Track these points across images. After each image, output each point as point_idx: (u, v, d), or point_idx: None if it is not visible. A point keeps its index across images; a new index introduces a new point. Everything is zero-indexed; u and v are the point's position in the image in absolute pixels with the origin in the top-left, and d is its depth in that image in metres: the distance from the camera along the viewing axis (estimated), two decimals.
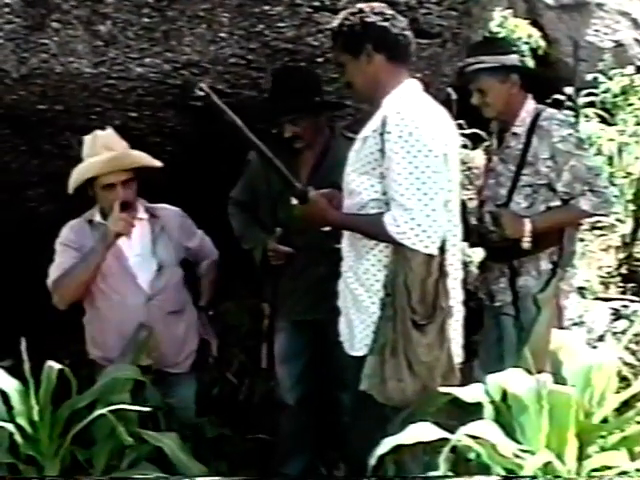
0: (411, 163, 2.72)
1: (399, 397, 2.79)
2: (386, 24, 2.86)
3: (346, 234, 3.01)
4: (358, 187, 2.87)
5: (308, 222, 3.01)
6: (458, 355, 2.97)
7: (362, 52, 2.87)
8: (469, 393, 2.77)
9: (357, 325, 2.90)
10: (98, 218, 3.48)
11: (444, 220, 2.78)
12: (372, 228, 2.81)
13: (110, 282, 3.43)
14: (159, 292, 3.49)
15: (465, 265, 4.98)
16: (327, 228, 3.06)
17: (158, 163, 3.43)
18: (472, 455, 2.65)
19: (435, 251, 2.76)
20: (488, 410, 2.73)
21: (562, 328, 3.46)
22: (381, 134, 2.77)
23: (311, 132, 3.59)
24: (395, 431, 2.65)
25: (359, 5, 2.93)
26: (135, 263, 3.48)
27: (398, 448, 2.59)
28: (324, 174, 3.33)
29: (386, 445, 2.57)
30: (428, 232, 2.72)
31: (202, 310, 3.73)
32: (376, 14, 2.88)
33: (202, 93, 2.85)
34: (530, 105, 3.59)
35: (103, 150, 3.37)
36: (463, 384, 2.87)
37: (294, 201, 2.98)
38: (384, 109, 2.82)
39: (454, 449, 2.63)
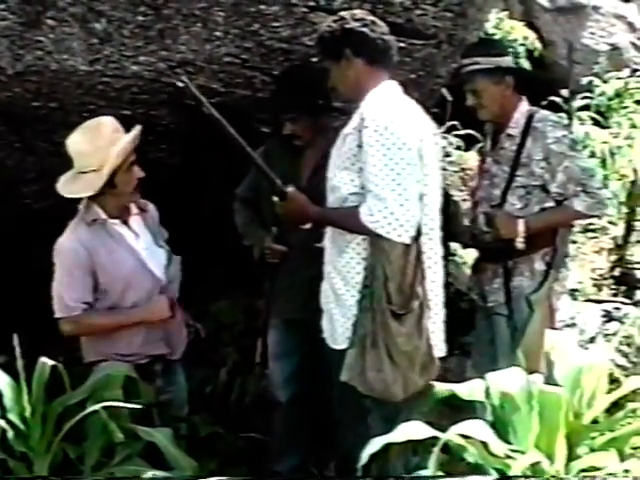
0: (385, 155, 2.84)
1: (380, 387, 2.85)
2: (365, 29, 3.01)
3: (328, 231, 3.09)
4: (339, 182, 2.98)
5: (289, 218, 3.14)
6: (440, 349, 3.03)
7: (342, 56, 3.02)
8: (466, 390, 2.80)
9: (338, 319, 2.98)
10: (103, 215, 3.40)
11: (418, 211, 2.88)
12: (349, 220, 2.92)
13: (128, 278, 3.42)
14: (172, 280, 3.52)
15: (457, 265, 5.02)
16: (307, 226, 3.15)
17: None
18: (467, 455, 2.66)
19: (408, 240, 2.85)
20: (485, 408, 2.75)
21: (554, 329, 3.47)
22: (359, 130, 2.90)
23: (310, 132, 3.61)
24: (377, 424, 2.77)
25: (341, 13, 3.08)
26: (146, 256, 3.48)
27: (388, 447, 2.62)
28: (325, 176, 3.34)
29: (376, 444, 2.58)
30: (401, 221, 2.83)
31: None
32: (356, 20, 3.03)
33: (182, 84, 2.96)
34: (524, 107, 3.60)
35: (118, 134, 3.33)
36: (450, 380, 2.90)
37: (275, 198, 3.09)
38: (363, 107, 2.95)
39: (446, 449, 2.65)
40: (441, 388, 2.88)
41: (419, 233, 2.89)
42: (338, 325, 2.98)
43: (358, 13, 3.07)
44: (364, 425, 2.82)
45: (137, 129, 3.36)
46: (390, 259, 2.84)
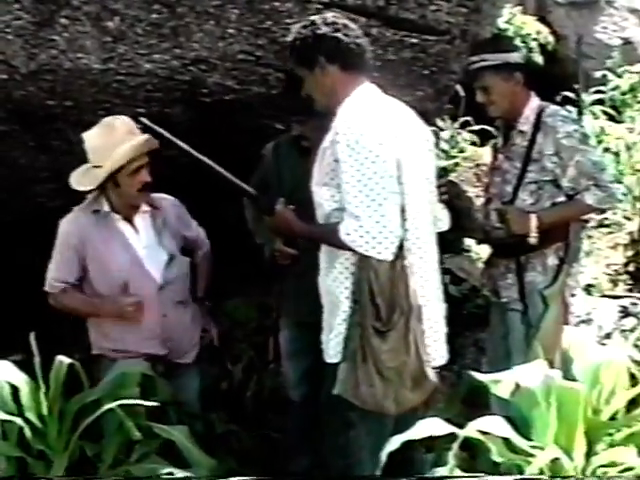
0: (358, 170, 2.74)
1: (372, 401, 2.80)
2: (337, 34, 2.88)
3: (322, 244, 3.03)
4: (320, 199, 2.89)
5: (277, 232, 3.15)
6: (442, 356, 2.97)
7: (316, 65, 2.89)
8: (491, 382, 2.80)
9: (331, 332, 2.91)
10: (106, 208, 3.47)
11: (397, 225, 2.77)
12: (331, 237, 2.83)
13: (123, 275, 3.44)
14: (171, 282, 3.50)
15: (471, 261, 5.00)
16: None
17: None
18: (487, 452, 2.65)
19: (389, 257, 2.75)
20: (499, 404, 2.74)
21: (568, 324, 3.47)
22: (334, 144, 2.80)
23: (318, 134, 3.59)
24: (359, 438, 2.81)
25: (311, 17, 2.96)
26: (145, 255, 3.49)
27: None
28: None
29: (396, 442, 2.58)
30: (378, 238, 2.73)
31: (200, 300, 3.72)
32: (327, 25, 2.89)
33: (140, 125, 3.05)
34: (534, 102, 3.60)
35: (130, 135, 3.35)
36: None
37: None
38: (337, 118, 2.86)
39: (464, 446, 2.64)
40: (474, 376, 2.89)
41: (402, 246, 2.79)
42: (330, 338, 2.90)
43: (329, 17, 2.94)
44: (345, 436, 2.83)
45: (144, 138, 3.35)
46: (378, 273, 2.75)
